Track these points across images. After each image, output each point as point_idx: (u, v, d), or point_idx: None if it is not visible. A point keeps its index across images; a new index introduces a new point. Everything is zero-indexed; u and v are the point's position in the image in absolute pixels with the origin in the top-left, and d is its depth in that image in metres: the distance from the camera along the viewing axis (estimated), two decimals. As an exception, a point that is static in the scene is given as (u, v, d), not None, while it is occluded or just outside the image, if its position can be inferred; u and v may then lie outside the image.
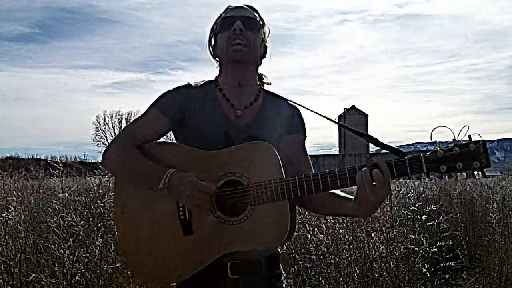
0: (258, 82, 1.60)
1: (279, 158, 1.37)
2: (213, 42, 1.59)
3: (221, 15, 1.57)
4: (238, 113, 1.51)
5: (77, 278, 3.01)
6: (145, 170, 1.42)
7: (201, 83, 1.57)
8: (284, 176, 1.36)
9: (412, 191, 5.09)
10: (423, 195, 6.13)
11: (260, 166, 1.38)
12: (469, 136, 1.25)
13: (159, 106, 1.51)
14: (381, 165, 1.28)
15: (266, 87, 1.62)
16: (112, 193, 1.70)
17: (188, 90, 1.53)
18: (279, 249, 1.58)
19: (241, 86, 1.53)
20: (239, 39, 1.48)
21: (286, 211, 1.34)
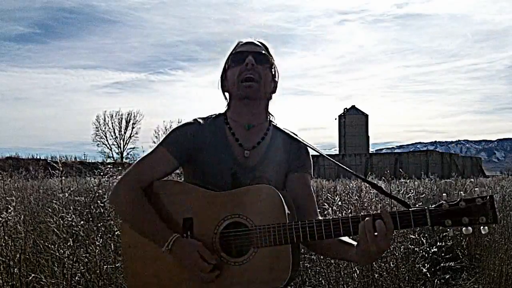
0: (267, 119, 1.60)
1: (284, 203, 1.38)
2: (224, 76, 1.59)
3: (233, 50, 1.57)
4: (246, 153, 1.52)
5: (77, 278, 3.01)
6: (151, 229, 1.43)
7: (210, 118, 1.58)
8: (288, 218, 1.36)
9: (412, 191, 5.09)
10: (423, 195, 6.13)
11: (264, 209, 1.38)
12: (475, 191, 1.23)
13: (166, 146, 1.51)
14: (384, 216, 1.27)
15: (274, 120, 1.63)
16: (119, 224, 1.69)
17: (196, 128, 1.53)
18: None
19: (250, 128, 1.54)
20: (251, 73, 1.48)
21: (288, 255, 1.35)
